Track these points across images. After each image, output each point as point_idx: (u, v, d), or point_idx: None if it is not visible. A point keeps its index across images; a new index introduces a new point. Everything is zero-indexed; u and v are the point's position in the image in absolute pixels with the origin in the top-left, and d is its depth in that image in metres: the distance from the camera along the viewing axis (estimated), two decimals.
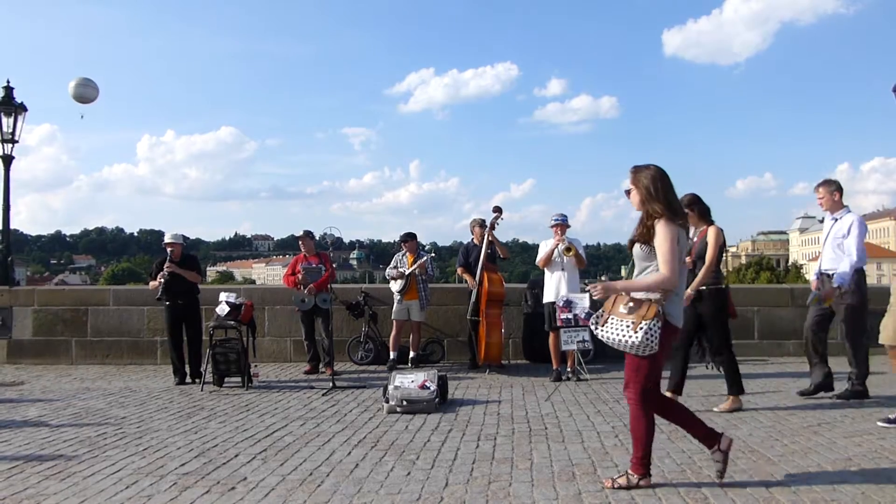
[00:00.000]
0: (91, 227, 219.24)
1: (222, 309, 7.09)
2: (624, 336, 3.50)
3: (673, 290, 3.54)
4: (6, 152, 9.99)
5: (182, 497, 3.63)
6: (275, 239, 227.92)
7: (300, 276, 7.95)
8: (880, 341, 5.08)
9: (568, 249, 7.23)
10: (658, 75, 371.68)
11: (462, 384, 7.10)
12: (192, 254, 8.43)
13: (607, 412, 5.61)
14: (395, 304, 8.35)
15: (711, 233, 5.54)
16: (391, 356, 8.28)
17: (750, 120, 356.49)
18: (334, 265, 8.35)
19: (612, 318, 3.59)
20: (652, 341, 3.46)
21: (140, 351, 9.23)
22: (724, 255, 7.00)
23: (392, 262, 8.65)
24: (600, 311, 3.70)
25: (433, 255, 8.47)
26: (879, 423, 4.91)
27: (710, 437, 3.68)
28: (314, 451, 4.55)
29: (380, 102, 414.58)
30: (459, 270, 8.39)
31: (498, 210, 8.16)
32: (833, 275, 5.78)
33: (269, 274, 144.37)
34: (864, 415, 5.32)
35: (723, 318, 5.60)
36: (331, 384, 6.87)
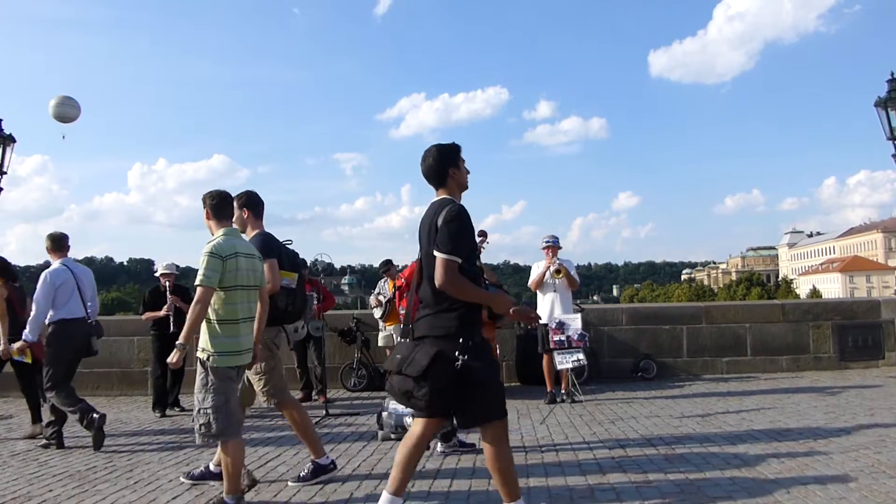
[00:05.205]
0: (81, 258, 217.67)
1: None
2: None
3: None
4: None
5: None
6: None
7: None
8: None
9: (558, 272, 7.23)
10: (645, 96, 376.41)
11: None
12: (184, 284, 8.37)
13: (603, 434, 5.58)
14: (380, 332, 8.50)
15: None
16: None
17: (737, 138, 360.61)
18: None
19: None
20: None
21: (130, 382, 9.12)
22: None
23: (376, 290, 8.71)
24: None
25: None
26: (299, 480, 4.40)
27: None
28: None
29: (371, 127, 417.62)
30: None
31: (483, 234, 8.12)
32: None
33: None
34: (861, 430, 5.33)
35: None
36: (324, 412, 6.81)
